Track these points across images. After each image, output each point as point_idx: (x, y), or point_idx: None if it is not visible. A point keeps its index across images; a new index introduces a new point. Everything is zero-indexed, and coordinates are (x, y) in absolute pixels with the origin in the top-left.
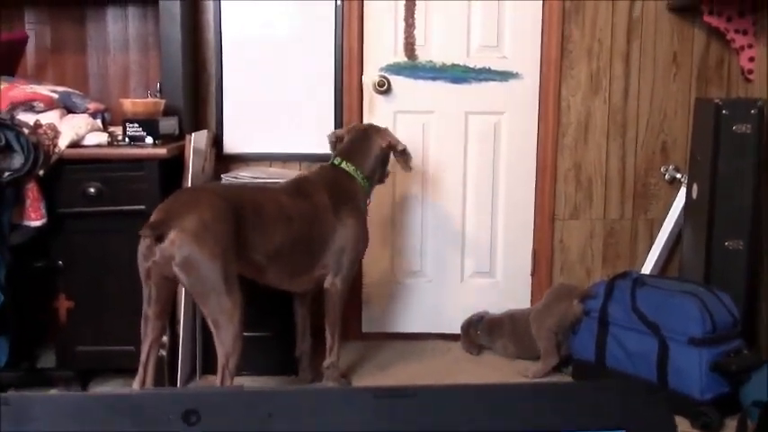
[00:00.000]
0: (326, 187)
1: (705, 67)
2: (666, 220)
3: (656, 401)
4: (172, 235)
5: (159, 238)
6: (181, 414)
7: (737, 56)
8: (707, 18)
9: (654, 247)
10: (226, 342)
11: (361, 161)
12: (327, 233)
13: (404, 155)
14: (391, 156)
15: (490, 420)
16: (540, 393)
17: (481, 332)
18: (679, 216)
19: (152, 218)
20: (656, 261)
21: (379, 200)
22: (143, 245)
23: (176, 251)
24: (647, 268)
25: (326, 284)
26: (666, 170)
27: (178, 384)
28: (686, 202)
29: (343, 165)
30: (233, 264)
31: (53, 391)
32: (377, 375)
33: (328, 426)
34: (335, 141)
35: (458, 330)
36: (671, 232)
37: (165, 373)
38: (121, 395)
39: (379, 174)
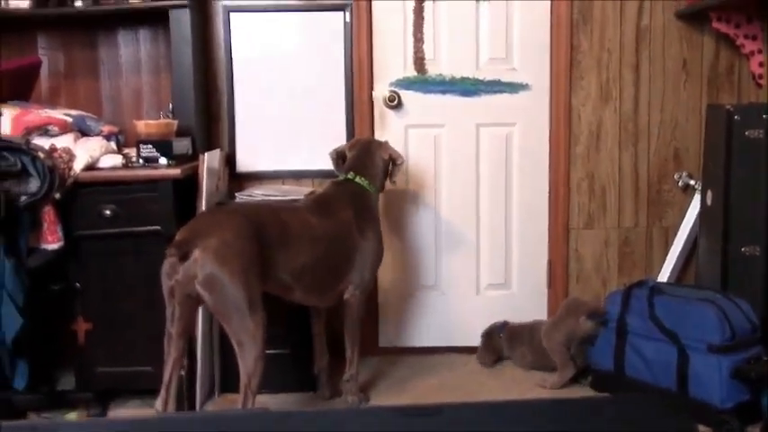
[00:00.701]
0: (350, 203)
1: (715, 73)
2: (681, 227)
3: (679, 412)
4: (195, 254)
5: (183, 257)
6: None
7: (747, 61)
8: (716, 24)
9: (669, 254)
10: (248, 362)
11: (372, 174)
12: (353, 249)
13: (400, 167)
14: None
15: None
16: (564, 409)
17: (503, 337)
18: (694, 223)
19: (177, 237)
20: (673, 269)
21: (392, 214)
22: (167, 264)
23: (199, 270)
24: (663, 276)
25: (347, 296)
26: (680, 177)
27: (197, 403)
28: (701, 209)
29: (357, 179)
30: (256, 283)
31: (72, 415)
32: (394, 390)
33: None
34: (337, 158)
35: (475, 343)
36: (686, 239)
37: (184, 392)
38: (148, 419)
39: (381, 185)
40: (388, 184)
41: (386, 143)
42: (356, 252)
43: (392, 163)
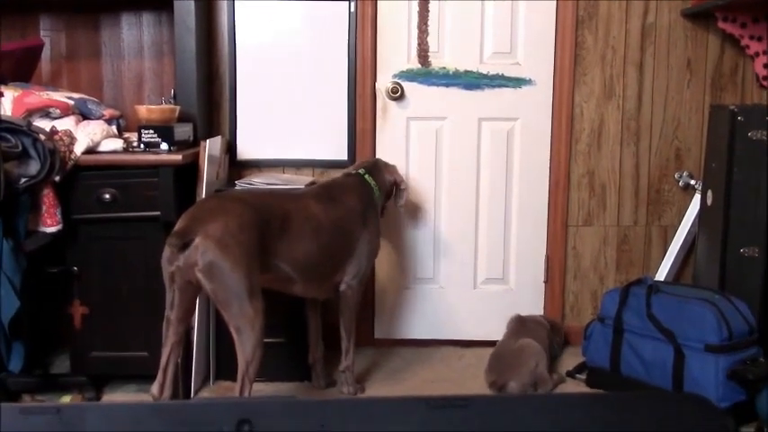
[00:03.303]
0: (358, 193)
1: (719, 73)
2: (680, 226)
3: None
4: (196, 241)
5: (185, 246)
6: (234, 423)
7: (752, 62)
8: (721, 24)
9: (668, 253)
10: (246, 349)
11: (379, 182)
12: (354, 239)
13: (403, 192)
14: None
15: (544, 429)
16: (592, 403)
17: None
18: (693, 223)
19: (178, 225)
20: (671, 268)
21: (391, 206)
22: (167, 250)
23: (200, 257)
24: (660, 275)
25: (343, 287)
26: (680, 177)
27: (192, 390)
28: (701, 209)
29: (367, 177)
30: (257, 272)
31: (65, 398)
32: (389, 382)
33: None
34: None
35: (469, 337)
36: (685, 239)
37: (180, 378)
38: (175, 404)
39: (385, 198)
40: (392, 207)
41: (393, 167)
42: (357, 241)
43: (396, 187)
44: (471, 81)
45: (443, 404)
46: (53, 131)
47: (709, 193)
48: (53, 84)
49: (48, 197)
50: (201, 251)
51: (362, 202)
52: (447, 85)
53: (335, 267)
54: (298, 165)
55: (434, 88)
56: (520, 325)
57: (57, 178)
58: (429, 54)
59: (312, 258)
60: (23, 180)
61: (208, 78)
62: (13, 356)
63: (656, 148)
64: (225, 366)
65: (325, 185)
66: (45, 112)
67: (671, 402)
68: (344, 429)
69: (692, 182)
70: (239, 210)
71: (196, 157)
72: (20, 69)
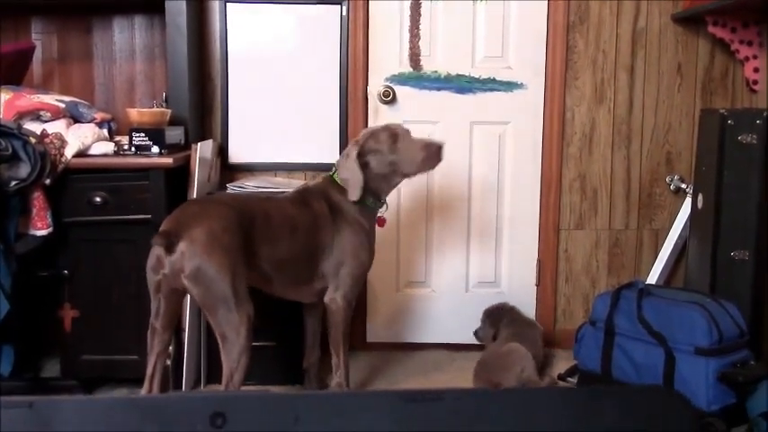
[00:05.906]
0: (324, 197)
1: (710, 77)
2: (672, 230)
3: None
4: (182, 246)
5: (169, 248)
6: (207, 416)
7: (742, 66)
8: (712, 29)
9: (659, 257)
10: (232, 356)
11: None
12: (325, 242)
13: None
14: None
15: (517, 423)
16: (566, 398)
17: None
18: (684, 226)
19: (162, 227)
20: (662, 271)
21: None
22: (152, 257)
23: (186, 263)
24: (652, 278)
25: (326, 299)
26: (671, 180)
27: None
28: (692, 213)
29: (335, 176)
30: (243, 275)
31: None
32: (380, 385)
33: (356, 429)
34: None
35: (461, 340)
36: (676, 242)
37: (170, 382)
38: (149, 398)
39: (382, 186)
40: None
41: (370, 135)
42: (329, 245)
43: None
44: (463, 85)
45: (418, 397)
46: (44, 134)
47: (700, 197)
48: (45, 86)
49: (38, 200)
50: (188, 256)
51: (331, 206)
52: (439, 89)
53: (311, 271)
54: (290, 168)
55: (426, 92)
56: (510, 322)
57: (47, 181)
58: (421, 58)
59: (289, 258)
60: (13, 183)
61: (199, 81)
62: (3, 360)
63: (648, 151)
64: (216, 370)
65: (300, 190)
66: (36, 114)
67: (640, 395)
68: (319, 422)
69: (683, 185)
70: (223, 212)
71: (187, 160)
72: (11, 72)
